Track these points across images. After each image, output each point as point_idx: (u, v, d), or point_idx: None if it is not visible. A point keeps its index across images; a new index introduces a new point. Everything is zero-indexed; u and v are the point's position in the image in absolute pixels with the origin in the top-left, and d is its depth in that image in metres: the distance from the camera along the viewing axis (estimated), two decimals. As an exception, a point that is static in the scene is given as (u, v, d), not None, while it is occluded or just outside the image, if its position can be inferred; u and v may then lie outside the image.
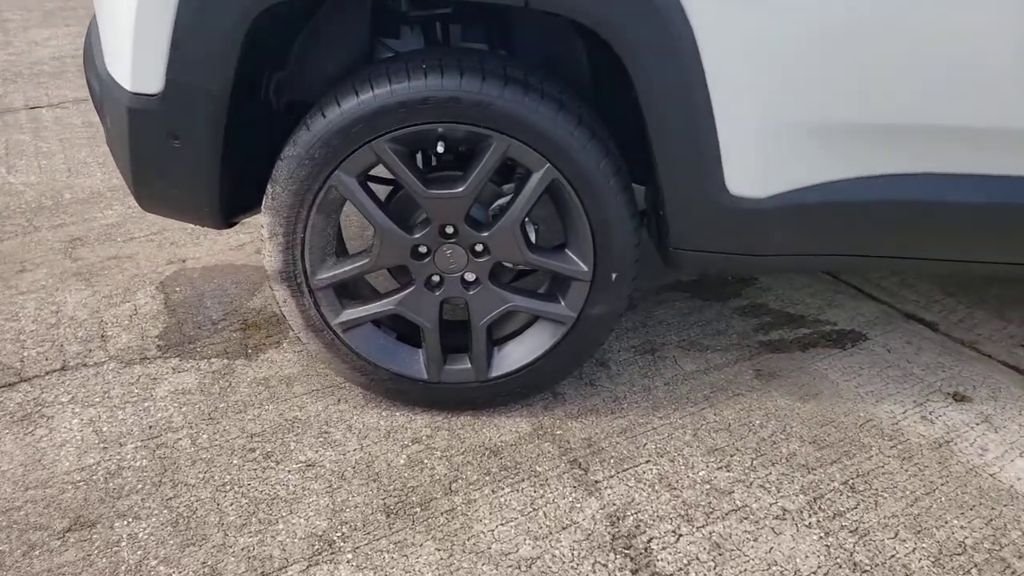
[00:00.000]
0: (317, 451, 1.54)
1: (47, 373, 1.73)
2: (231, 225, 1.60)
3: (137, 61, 1.33)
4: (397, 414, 1.65)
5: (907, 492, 1.50)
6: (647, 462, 1.55)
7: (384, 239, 1.47)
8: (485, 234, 1.46)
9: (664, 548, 1.36)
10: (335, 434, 1.59)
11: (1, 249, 2.22)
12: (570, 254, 1.49)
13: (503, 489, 1.47)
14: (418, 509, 1.42)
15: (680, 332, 1.96)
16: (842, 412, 1.70)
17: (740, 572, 1.32)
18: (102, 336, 1.86)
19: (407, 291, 1.53)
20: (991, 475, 1.55)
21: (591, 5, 1.23)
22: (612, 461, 1.54)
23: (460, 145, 1.41)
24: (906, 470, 1.55)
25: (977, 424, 1.69)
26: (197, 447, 1.54)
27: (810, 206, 1.41)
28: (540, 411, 1.66)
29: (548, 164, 1.38)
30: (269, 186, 1.43)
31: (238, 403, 1.66)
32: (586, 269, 1.48)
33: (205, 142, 1.39)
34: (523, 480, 1.49)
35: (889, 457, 1.58)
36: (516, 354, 1.59)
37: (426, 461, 1.53)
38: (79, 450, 1.52)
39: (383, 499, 1.44)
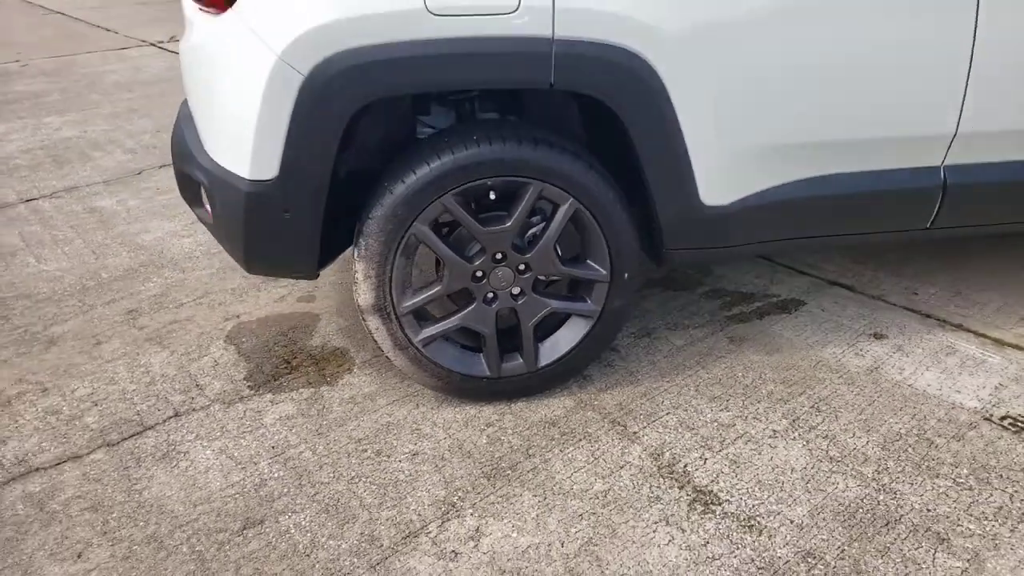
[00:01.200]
0: (416, 443, 1.95)
1: (165, 420, 2.07)
2: (317, 275, 2.00)
3: (257, 153, 1.73)
4: (467, 408, 2.07)
5: (855, 406, 2.03)
6: (667, 414, 2.03)
7: (452, 270, 1.91)
8: (527, 255, 1.92)
9: (696, 469, 1.84)
10: (424, 429, 2.00)
11: (69, 328, 2.52)
12: (591, 263, 1.97)
13: (568, 448, 1.92)
14: (509, 471, 1.85)
15: (664, 317, 2.47)
16: (799, 358, 2.24)
17: (754, 476, 1.81)
18: (196, 385, 2.21)
19: (470, 308, 1.97)
20: (909, 385, 2.11)
21: (603, 86, 1.72)
22: (641, 417, 2.02)
23: (504, 191, 1.86)
24: (851, 391, 2.09)
25: (894, 353, 2.26)
26: (319, 455, 1.92)
27: (756, 207, 1.94)
28: (576, 390, 2.13)
29: (571, 198, 1.86)
30: (361, 239, 1.85)
31: (337, 419, 2.05)
32: (605, 273, 1.96)
33: (310, 211, 1.80)
34: (580, 440, 1.95)
35: (838, 384, 2.12)
36: (557, 346, 2.05)
37: (502, 438, 1.96)
38: (223, 472, 1.88)
39: (480, 468, 1.86)
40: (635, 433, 1.96)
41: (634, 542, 1.64)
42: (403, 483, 1.83)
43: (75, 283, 2.81)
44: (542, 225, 1.92)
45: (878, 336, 2.35)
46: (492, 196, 1.85)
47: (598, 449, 1.91)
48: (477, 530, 1.68)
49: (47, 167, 4.02)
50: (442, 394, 2.10)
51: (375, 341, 1.98)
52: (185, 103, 2.16)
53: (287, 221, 1.81)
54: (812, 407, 2.04)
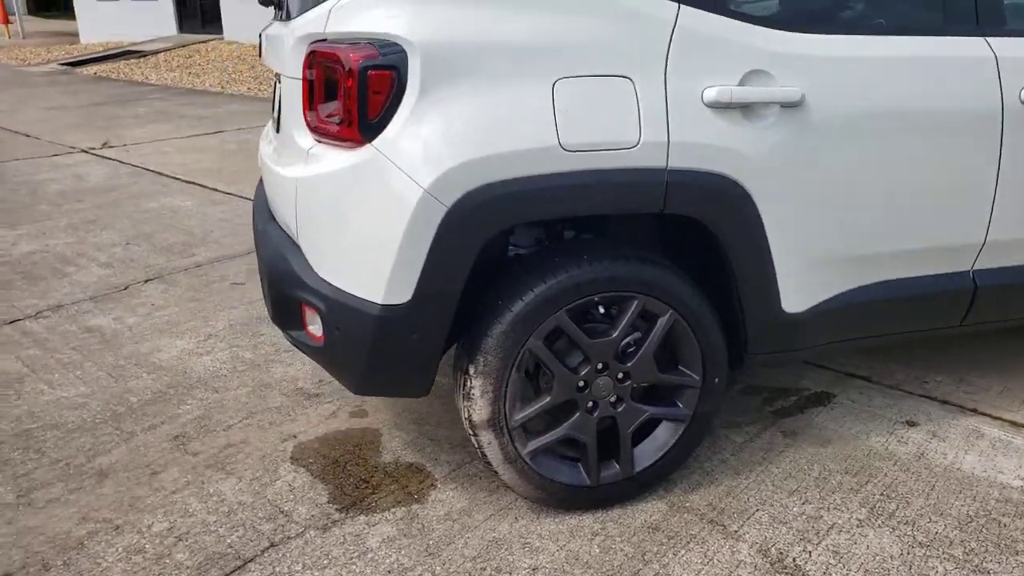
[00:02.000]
0: (532, 557, 1.97)
1: (263, 551, 2.00)
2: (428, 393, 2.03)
3: (393, 279, 1.78)
4: (567, 518, 2.11)
5: (920, 491, 2.21)
6: (757, 510, 2.14)
7: (561, 381, 1.98)
8: (628, 365, 2.03)
9: (805, 562, 1.95)
10: (534, 542, 2.02)
11: (117, 459, 2.40)
12: (683, 369, 2.09)
13: (680, 551, 1.99)
14: (633, 579, 1.90)
15: (716, 417, 2.61)
16: (851, 448, 2.42)
17: (860, 565, 1.94)
18: (281, 512, 2.15)
19: (574, 418, 2.04)
20: (958, 469, 2.31)
21: (705, 209, 1.89)
22: (735, 515, 2.12)
23: (609, 304, 1.98)
24: (910, 478, 2.27)
25: (931, 439, 2.47)
26: (438, 577, 1.91)
27: (825, 312, 2.14)
28: (664, 493, 2.21)
29: (671, 310, 2.00)
30: (480, 356, 1.91)
31: (442, 538, 2.04)
32: (697, 378, 2.09)
33: (436, 333, 1.85)
34: (688, 542, 2.02)
35: (896, 472, 2.30)
36: (650, 450, 2.14)
37: (613, 546, 2.01)
38: (343, 602, 1.83)
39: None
40: (736, 531, 2.05)
41: (782, 640, 1.71)
42: (534, 599, 1.84)
43: (103, 409, 2.69)
44: (637, 335, 2.03)
45: (911, 423, 2.56)
46: (601, 310, 1.96)
47: (708, 550, 1.99)
48: (629, 641, 1.71)
49: (20, 285, 3.84)
50: (540, 505, 2.13)
51: (485, 456, 2.01)
52: (270, 226, 2.19)
53: (413, 342, 1.85)
54: (882, 495, 2.19)
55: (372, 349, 1.85)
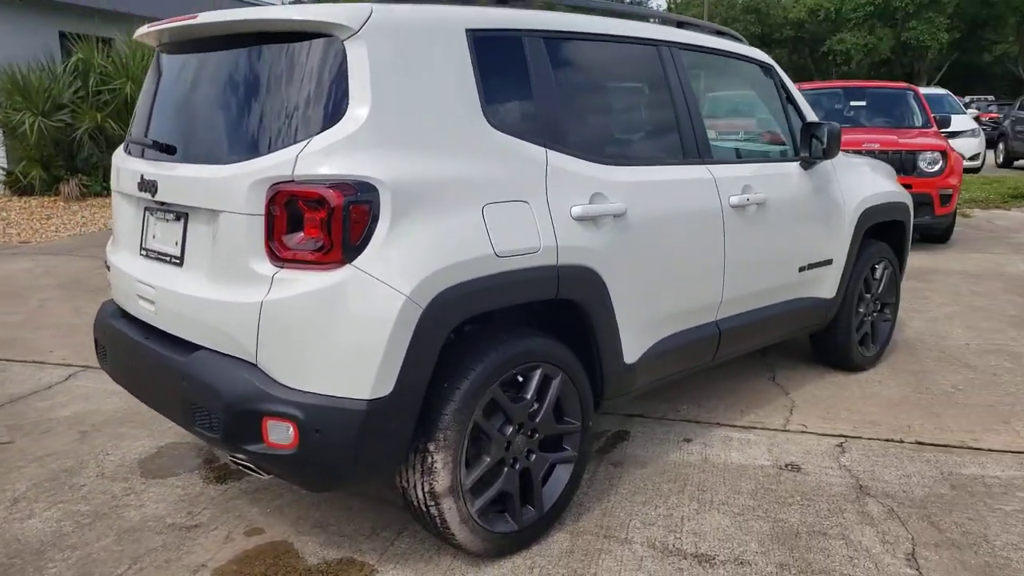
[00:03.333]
0: (498, 596, 2.34)
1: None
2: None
3: (379, 375, 2.10)
4: (503, 562, 2.51)
5: (719, 482, 3.06)
6: (630, 520, 2.77)
7: (496, 445, 2.44)
8: (536, 421, 2.56)
9: (681, 543, 2.63)
10: (491, 585, 2.40)
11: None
12: (568, 419, 2.68)
13: (599, 562, 2.52)
14: (580, 588, 2.38)
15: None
16: (661, 464, 3.21)
17: (713, 536, 2.68)
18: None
19: (503, 474, 2.49)
20: (731, 463, 3.23)
21: (579, 292, 2.54)
22: (618, 527, 2.73)
23: (522, 375, 2.50)
24: (707, 475, 3.12)
25: (705, 448, 3.38)
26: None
27: (644, 359, 2.92)
28: (561, 526, 2.73)
29: (561, 372, 2.59)
30: (439, 433, 2.27)
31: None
32: (579, 424, 2.69)
33: (410, 417, 2.20)
34: (600, 554, 2.57)
35: (697, 473, 3.13)
36: (553, 490, 2.66)
37: (552, 572, 2.47)
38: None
39: (561, 594, 2.36)
40: (625, 538, 2.67)
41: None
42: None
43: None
44: (536, 396, 2.57)
45: (687, 440, 3.46)
46: (521, 379, 2.48)
47: (615, 556, 2.56)
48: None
49: None
50: (478, 558, 2.51)
51: (444, 522, 2.35)
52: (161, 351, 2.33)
53: (392, 430, 2.17)
54: (698, 489, 3.00)
55: (357, 441, 2.12)
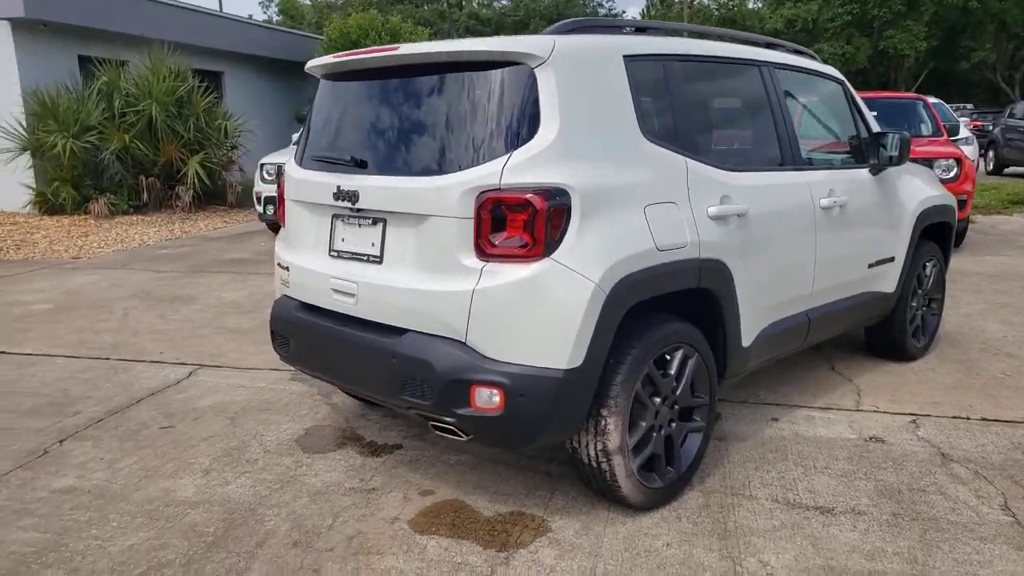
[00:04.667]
0: (658, 539, 2.76)
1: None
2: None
3: (573, 349, 2.53)
4: (651, 514, 2.93)
5: (815, 453, 3.50)
6: (750, 482, 3.20)
7: (651, 413, 2.86)
8: (676, 394, 2.99)
9: (800, 500, 3.06)
10: (652, 530, 2.81)
11: None
12: (699, 394, 3.11)
13: (735, 513, 2.95)
14: (732, 534, 2.81)
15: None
16: (759, 439, 3.64)
17: (825, 495, 3.11)
18: (464, 563, 2.62)
19: (653, 438, 2.91)
20: (820, 437, 3.67)
21: (714, 284, 2.98)
22: (741, 487, 3.16)
23: (669, 353, 2.93)
24: (803, 447, 3.56)
25: (792, 425, 3.82)
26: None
27: (755, 342, 3.36)
28: (690, 487, 3.15)
29: (697, 353, 3.03)
30: (611, 400, 2.70)
31: (590, 544, 2.72)
32: (707, 399, 3.13)
33: (593, 385, 2.63)
34: (735, 508, 3.00)
35: (794, 445, 3.57)
36: (687, 455, 3.09)
37: (699, 520, 2.90)
38: (572, 599, 2.44)
39: (715, 533, 2.78)
40: (751, 495, 3.09)
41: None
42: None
43: (187, 546, 2.75)
44: (676, 373, 3.00)
45: (775, 419, 3.89)
46: (668, 357, 2.91)
47: (747, 509, 2.99)
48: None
49: None
50: (631, 510, 2.92)
51: (614, 476, 2.77)
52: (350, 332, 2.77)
53: (581, 395, 2.60)
54: (800, 458, 3.43)
55: (554, 404, 2.55)
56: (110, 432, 3.75)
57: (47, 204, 11.63)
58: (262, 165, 9.61)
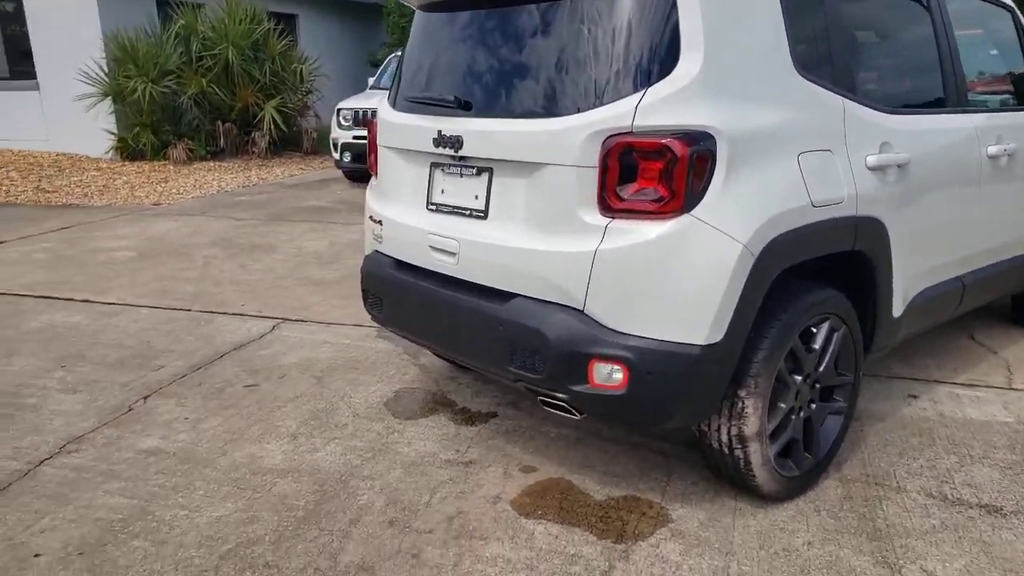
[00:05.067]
0: (798, 536, 2.42)
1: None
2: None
3: (715, 322, 2.17)
4: (787, 505, 2.59)
5: (968, 438, 3.07)
6: (894, 470, 2.81)
7: (792, 393, 2.49)
8: (819, 371, 2.60)
9: (956, 494, 2.66)
10: (788, 526, 2.47)
11: (357, 554, 2.35)
12: (842, 371, 2.71)
13: (884, 507, 2.58)
14: (883, 529, 2.45)
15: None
16: (898, 419, 3.22)
17: (988, 490, 2.69)
18: (578, 556, 2.34)
19: (792, 422, 2.55)
20: (971, 419, 3.22)
21: (869, 245, 2.56)
22: (885, 476, 2.77)
23: (816, 326, 2.54)
24: (952, 430, 3.12)
25: (934, 404, 3.37)
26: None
27: (905, 313, 2.92)
28: (826, 475, 2.78)
29: (844, 325, 2.62)
30: (750, 380, 2.34)
31: (720, 539, 2.40)
32: (851, 377, 2.73)
33: (732, 363, 2.27)
34: (883, 500, 2.62)
35: (941, 428, 3.14)
36: (826, 437, 2.71)
37: (840, 514, 2.54)
38: None
39: (864, 532, 2.42)
40: (898, 487, 2.71)
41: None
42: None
43: (279, 518, 2.55)
44: (821, 348, 2.60)
45: (913, 396, 3.46)
46: (814, 330, 2.52)
47: (898, 503, 2.61)
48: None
49: (-15, 426, 3.27)
50: (770, 499, 2.58)
51: (748, 464, 2.43)
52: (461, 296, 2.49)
53: (719, 374, 2.25)
54: (950, 443, 3.01)
55: (687, 385, 2.20)
56: (194, 389, 3.60)
57: (128, 150, 11.71)
58: (339, 110, 9.37)
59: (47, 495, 2.71)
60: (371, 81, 10.61)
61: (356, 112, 9.19)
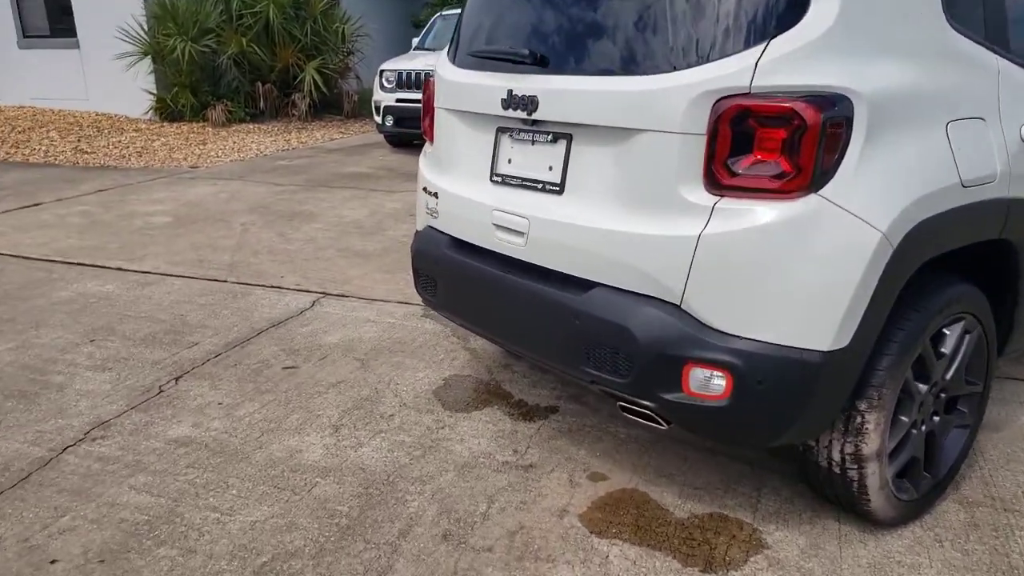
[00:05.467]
0: (917, 571, 2.07)
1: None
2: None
3: (842, 325, 1.80)
4: (902, 532, 2.23)
5: (1105, 451, 2.66)
6: (1019, 491, 2.43)
7: (918, 405, 2.12)
8: (947, 380, 2.22)
9: None
10: (905, 559, 2.12)
11: (406, 572, 2.05)
12: (971, 379, 2.32)
13: (1013, 537, 2.21)
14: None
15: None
16: (1016, 428, 2.82)
17: None
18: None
19: (912, 438, 2.18)
20: (1100, 430, 2.81)
21: (1016, 237, 2.15)
22: (1011, 499, 2.39)
23: (948, 327, 2.14)
24: (1086, 442, 2.72)
25: (1055, 410, 2.96)
26: (870, 613, 1.93)
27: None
28: (944, 496, 2.41)
29: (979, 326, 2.23)
30: (872, 391, 1.97)
31: (827, 571, 2.06)
32: (981, 385, 2.34)
33: (857, 372, 1.90)
34: (1013, 528, 2.25)
35: (1072, 440, 2.74)
36: (948, 455, 2.34)
37: (967, 546, 2.18)
38: None
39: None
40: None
41: None
42: None
43: (320, 526, 2.27)
44: (952, 352, 2.21)
45: (1029, 401, 3.05)
46: (947, 332, 2.13)
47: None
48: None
49: (9, 408, 3.03)
50: (883, 525, 2.23)
51: (863, 487, 2.07)
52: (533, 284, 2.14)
53: (840, 386, 1.88)
54: (1082, 460, 2.61)
55: (804, 397, 1.85)
56: (229, 370, 3.33)
57: (167, 110, 11.50)
58: (382, 72, 9.01)
59: (69, 489, 2.46)
60: (415, 42, 10.21)
61: (400, 74, 8.83)
